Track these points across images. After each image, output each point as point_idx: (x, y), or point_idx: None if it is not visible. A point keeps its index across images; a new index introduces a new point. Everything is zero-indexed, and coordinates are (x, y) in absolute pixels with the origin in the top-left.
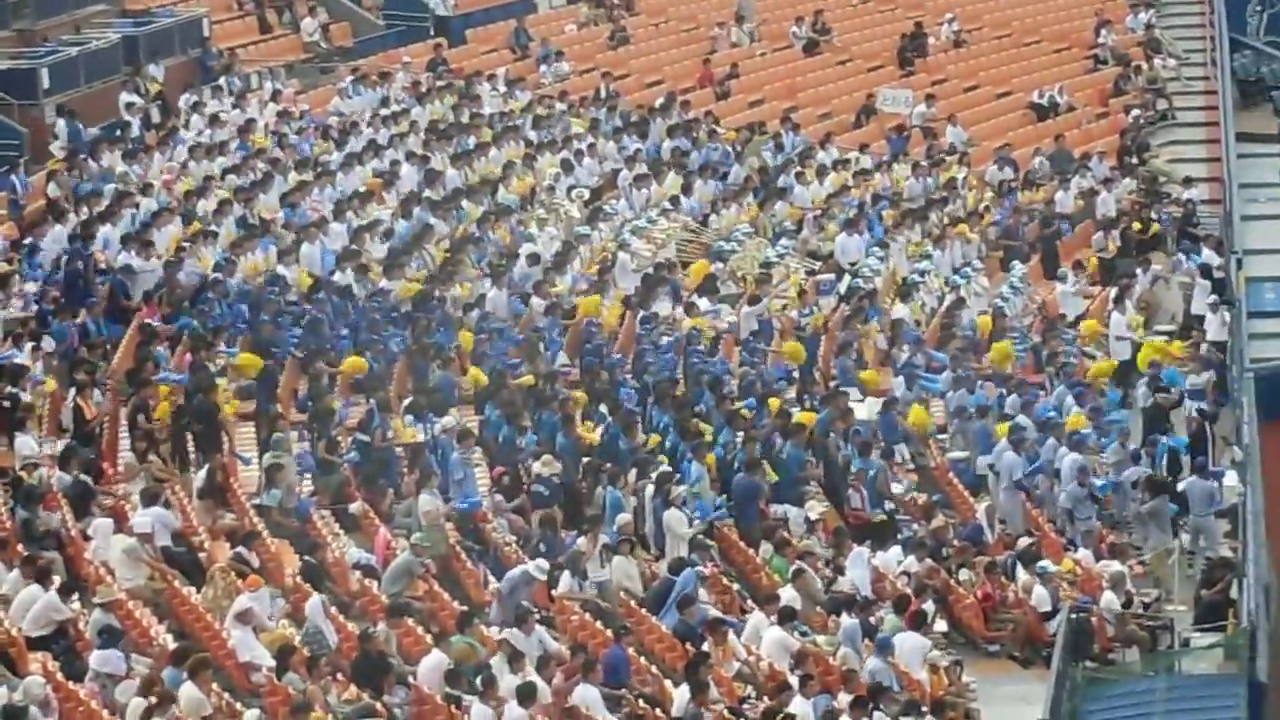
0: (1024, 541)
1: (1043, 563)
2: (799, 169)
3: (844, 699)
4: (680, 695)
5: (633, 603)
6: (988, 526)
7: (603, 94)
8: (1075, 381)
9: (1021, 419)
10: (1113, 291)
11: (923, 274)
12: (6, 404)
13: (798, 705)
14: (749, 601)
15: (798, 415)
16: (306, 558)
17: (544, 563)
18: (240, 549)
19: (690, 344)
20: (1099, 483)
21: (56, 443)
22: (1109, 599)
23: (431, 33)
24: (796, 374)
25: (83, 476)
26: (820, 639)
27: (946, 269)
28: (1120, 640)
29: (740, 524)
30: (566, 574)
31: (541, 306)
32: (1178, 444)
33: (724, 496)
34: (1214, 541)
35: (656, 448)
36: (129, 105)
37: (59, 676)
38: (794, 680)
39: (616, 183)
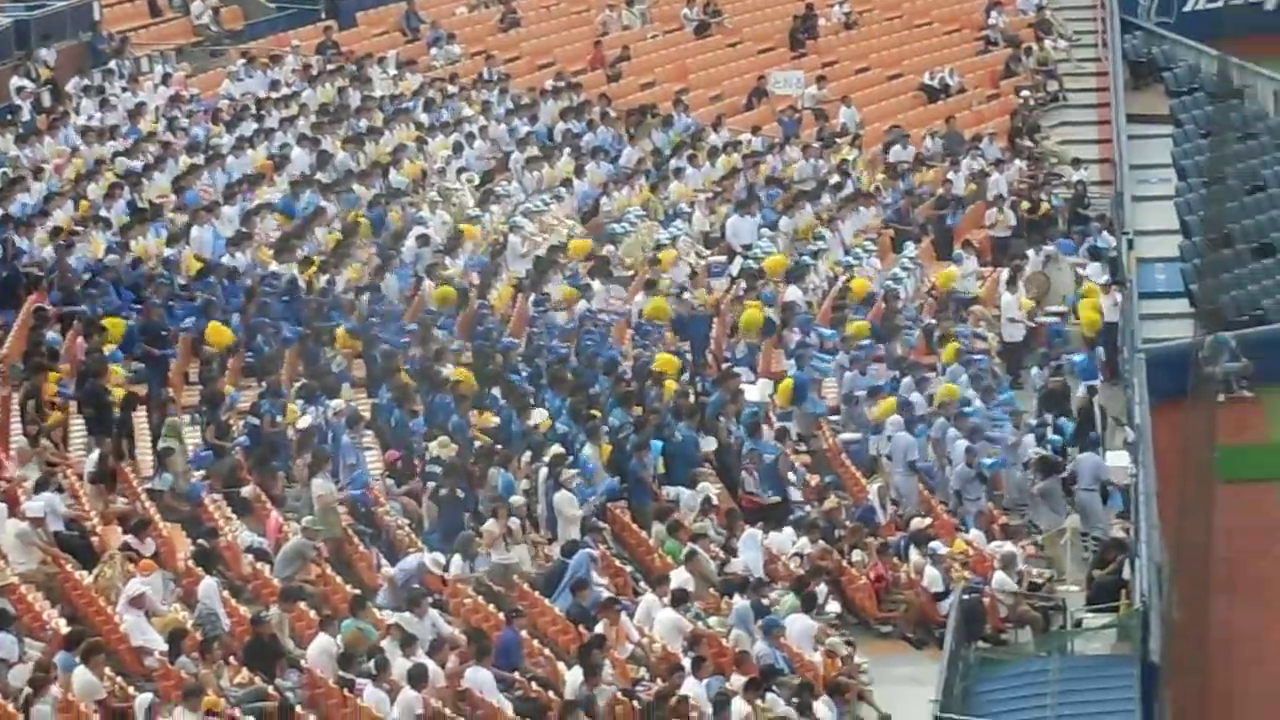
0: (917, 522)
1: (935, 544)
2: (690, 151)
3: (737, 680)
4: (573, 677)
5: (525, 585)
6: (880, 507)
7: (486, 76)
8: (970, 361)
9: (915, 398)
10: (1004, 273)
11: (815, 255)
12: None
13: (690, 687)
14: (642, 583)
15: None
16: (199, 541)
17: (440, 556)
18: (129, 538)
19: (584, 327)
20: (987, 461)
21: None
22: (1001, 579)
23: (322, 15)
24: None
25: None
26: (713, 620)
27: (838, 250)
28: (1013, 621)
29: (633, 506)
30: (458, 557)
31: (430, 289)
32: (1067, 429)
33: (617, 479)
34: (1098, 519)
35: (549, 430)
36: (20, 89)
37: None
38: (687, 662)
39: (508, 165)
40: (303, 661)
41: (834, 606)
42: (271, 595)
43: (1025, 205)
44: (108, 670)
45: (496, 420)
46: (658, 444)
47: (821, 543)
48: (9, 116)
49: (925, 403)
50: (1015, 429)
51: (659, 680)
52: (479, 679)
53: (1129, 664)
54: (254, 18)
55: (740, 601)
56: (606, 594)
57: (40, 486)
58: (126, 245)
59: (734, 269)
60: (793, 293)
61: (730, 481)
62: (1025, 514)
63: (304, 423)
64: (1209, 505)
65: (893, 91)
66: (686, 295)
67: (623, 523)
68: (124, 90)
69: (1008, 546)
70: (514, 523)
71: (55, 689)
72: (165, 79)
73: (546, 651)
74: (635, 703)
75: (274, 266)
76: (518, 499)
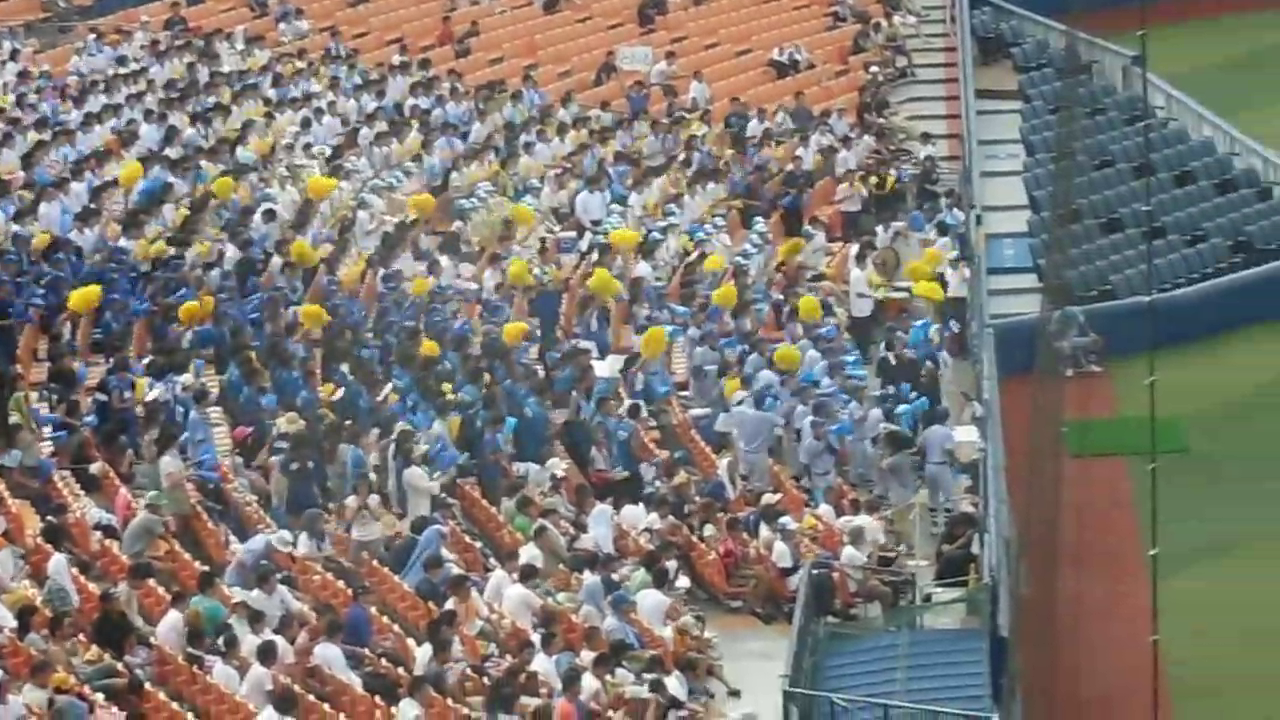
0: (767, 498)
1: (784, 519)
2: (540, 127)
3: (586, 656)
4: (422, 653)
5: (375, 562)
6: (729, 483)
7: (334, 51)
8: (817, 336)
9: (764, 375)
10: (853, 248)
11: (664, 231)
12: None
13: (540, 662)
14: (491, 560)
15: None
16: (48, 518)
17: (287, 534)
18: None
19: (433, 303)
20: (833, 429)
21: None
22: (850, 554)
23: None
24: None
25: None
26: (562, 596)
27: (687, 225)
28: (862, 596)
29: (483, 482)
30: (304, 535)
31: (279, 265)
32: (919, 406)
33: (466, 454)
34: (949, 493)
35: (397, 406)
36: None
37: None
38: (536, 638)
39: (356, 141)
40: (152, 638)
41: (684, 582)
42: (120, 572)
43: (874, 181)
44: None
45: (340, 393)
46: (512, 421)
47: (671, 518)
48: None
49: (775, 378)
50: (860, 404)
51: (508, 656)
52: (328, 655)
53: (978, 638)
54: None
55: (590, 577)
56: (456, 570)
57: None
58: None
59: (583, 244)
60: (642, 268)
61: (580, 458)
62: (874, 489)
63: (152, 398)
64: (1057, 479)
65: (742, 67)
66: (536, 271)
67: (472, 499)
68: None
69: (857, 521)
70: (373, 500)
71: None
72: (14, 55)
73: (396, 628)
74: (485, 679)
75: (123, 242)
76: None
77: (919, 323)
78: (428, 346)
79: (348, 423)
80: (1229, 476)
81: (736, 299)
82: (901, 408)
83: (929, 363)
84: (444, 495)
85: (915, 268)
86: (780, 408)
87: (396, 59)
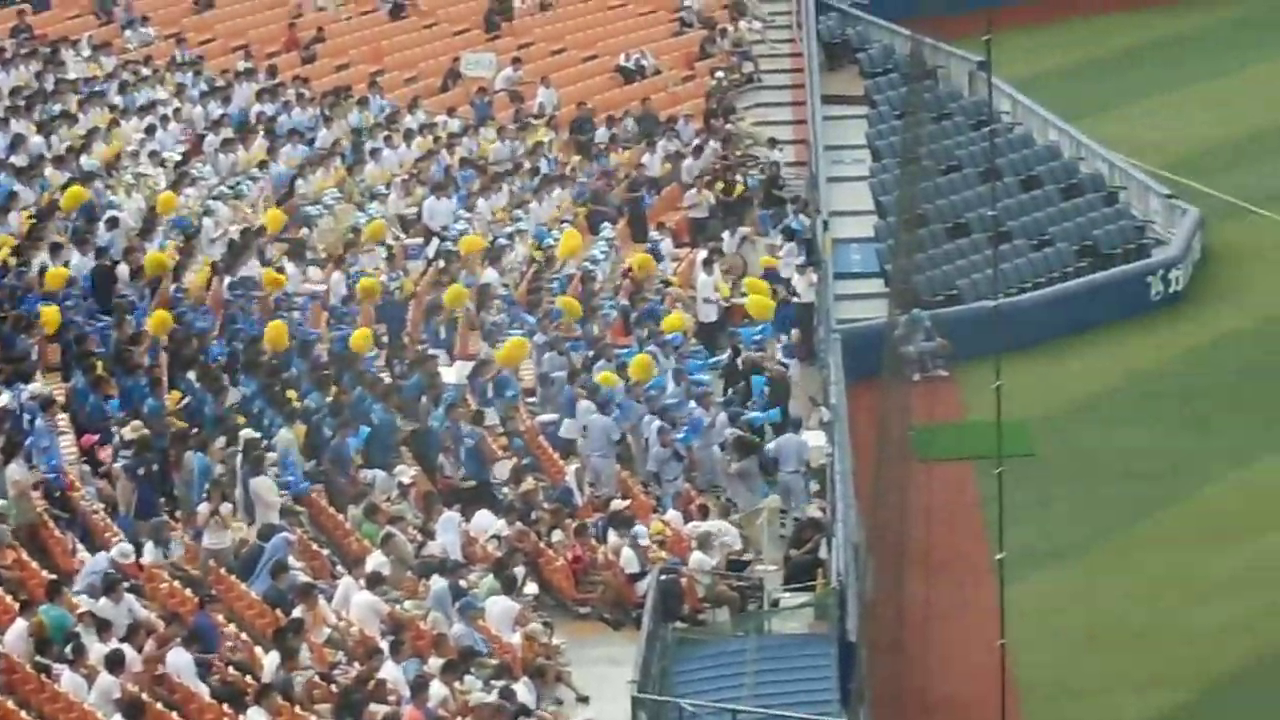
0: (615, 504)
1: (636, 528)
2: (386, 133)
3: (435, 663)
4: (270, 661)
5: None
6: (577, 489)
7: (180, 58)
8: (664, 342)
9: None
10: (700, 254)
11: (510, 237)
12: None
13: (389, 670)
14: (339, 567)
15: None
16: None
17: (128, 547)
18: None
19: (278, 309)
20: (679, 435)
21: None
22: (698, 559)
23: None
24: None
25: None
26: (410, 604)
27: (534, 231)
28: (710, 601)
29: (330, 489)
30: (150, 544)
31: (126, 273)
32: (770, 417)
33: (313, 462)
34: (801, 500)
35: (243, 413)
36: None
37: None
38: (385, 645)
39: (202, 148)
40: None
41: (532, 588)
42: None
43: (720, 187)
44: None
45: (186, 400)
46: (365, 429)
47: (519, 524)
48: None
49: (619, 384)
50: (706, 409)
51: (356, 664)
52: (177, 663)
53: (826, 643)
54: None
55: (438, 584)
56: (304, 578)
57: None
58: None
59: (430, 251)
60: (490, 274)
61: (428, 465)
62: (721, 494)
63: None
64: (905, 484)
65: (588, 73)
66: (383, 278)
67: (319, 506)
68: None
69: (705, 526)
70: (225, 507)
71: None
72: None
73: (244, 635)
74: (333, 686)
75: None
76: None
77: (754, 329)
78: (276, 334)
79: (194, 430)
80: (1074, 479)
81: (582, 306)
82: (752, 415)
83: (780, 367)
84: (291, 503)
85: (752, 283)
86: (627, 415)
87: (242, 65)
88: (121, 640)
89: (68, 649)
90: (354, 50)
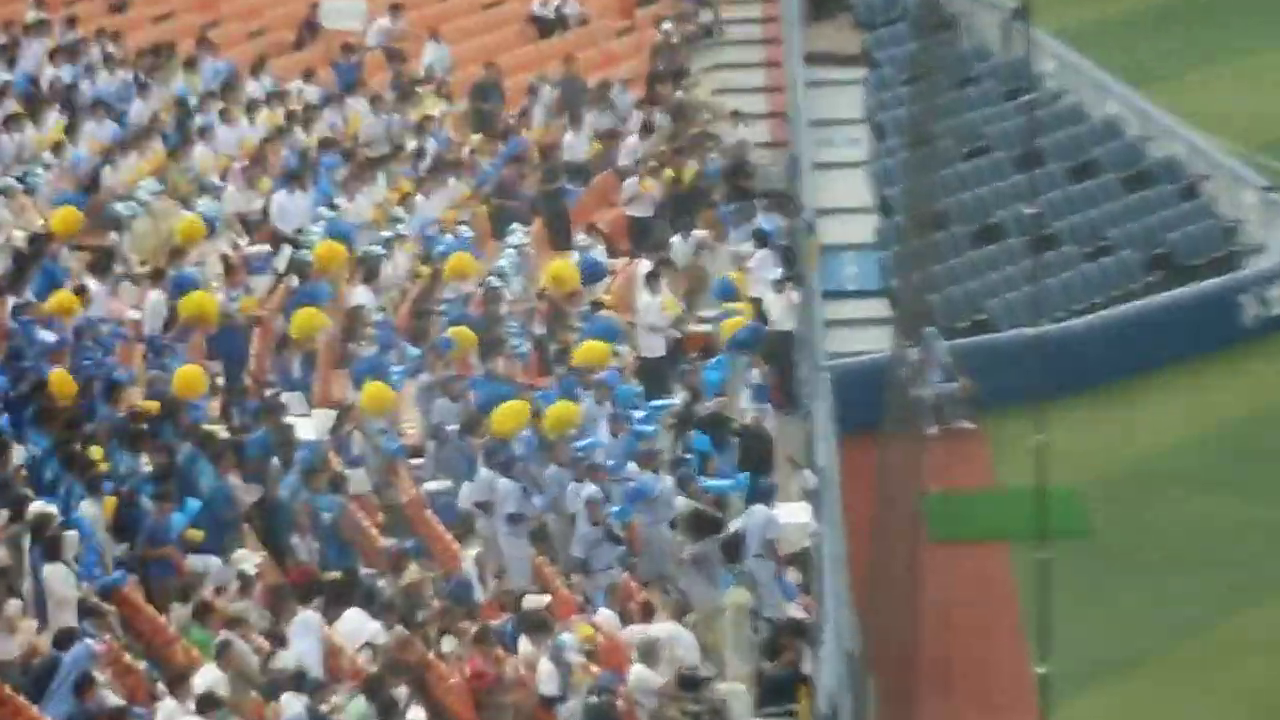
0: (529, 600)
1: (556, 633)
2: (222, 105)
3: None
4: None
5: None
6: (477, 581)
7: None
8: (595, 383)
9: (525, 434)
10: (642, 265)
11: (387, 243)
12: None
13: None
14: (160, 685)
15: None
16: None
17: None
18: None
19: (80, 339)
20: (613, 509)
21: None
22: (640, 675)
23: None
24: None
25: None
26: None
27: (420, 235)
28: None
29: (148, 581)
30: None
31: None
32: (741, 485)
33: (125, 545)
34: (771, 595)
35: (31, 479)
36: None
37: None
38: None
39: None
40: None
41: (417, 713)
42: None
43: (669, 175)
44: None
45: None
46: (193, 502)
47: (400, 628)
48: None
49: (532, 440)
50: (655, 473)
51: None
52: None
53: None
54: None
55: (293, 707)
56: (114, 699)
57: None
58: None
59: (280, 263)
60: (361, 294)
61: (277, 547)
62: (671, 588)
63: None
64: (916, 573)
65: (492, 23)
66: (219, 297)
67: (134, 604)
68: None
69: (649, 630)
70: (12, 604)
71: None
72: None
73: None
74: None
75: None
76: None
77: (712, 362)
78: (61, 382)
79: None
80: (1140, 566)
81: (483, 335)
82: (714, 483)
83: (754, 415)
84: (96, 600)
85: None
86: (544, 482)
87: (32, 15)
88: None
89: None
90: None
